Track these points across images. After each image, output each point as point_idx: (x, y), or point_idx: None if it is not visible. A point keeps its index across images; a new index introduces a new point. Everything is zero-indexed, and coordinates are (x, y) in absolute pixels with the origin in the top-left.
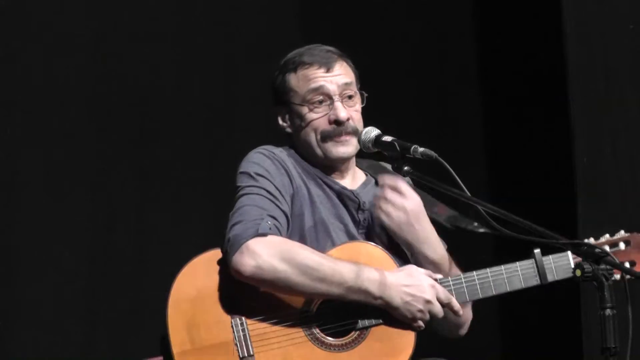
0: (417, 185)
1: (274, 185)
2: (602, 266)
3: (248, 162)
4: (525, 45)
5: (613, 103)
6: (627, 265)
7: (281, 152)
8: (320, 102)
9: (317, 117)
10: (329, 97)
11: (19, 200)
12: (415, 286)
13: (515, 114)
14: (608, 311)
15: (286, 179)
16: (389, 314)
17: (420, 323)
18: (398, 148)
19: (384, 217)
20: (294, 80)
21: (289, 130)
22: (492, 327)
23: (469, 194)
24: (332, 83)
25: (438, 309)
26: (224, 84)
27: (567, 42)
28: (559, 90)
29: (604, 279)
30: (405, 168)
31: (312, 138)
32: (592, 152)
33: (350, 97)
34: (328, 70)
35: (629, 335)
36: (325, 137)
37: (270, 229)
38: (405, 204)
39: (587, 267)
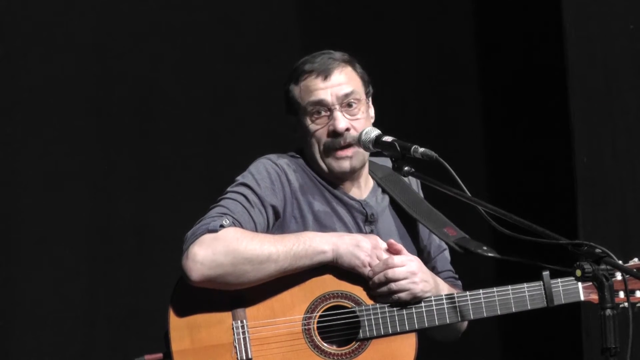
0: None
1: (257, 196)
2: (602, 266)
3: (247, 171)
4: (525, 45)
5: (613, 103)
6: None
7: (287, 163)
8: (319, 112)
9: (318, 129)
10: (328, 107)
11: (19, 200)
12: (359, 238)
13: (515, 114)
14: (608, 311)
15: (280, 195)
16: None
17: (369, 269)
18: (398, 148)
19: (403, 297)
20: (296, 91)
21: (299, 139)
22: (491, 327)
23: (469, 194)
24: (330, 94)
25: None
26: (224, 84)
27: (567, 42)
28: (559, 90)
29: (604, 279)
30: (406, 168)
31: (316, 150)
32: (592, 152)
33: (350, 105)
34: (326, 78)
35: (629, 335)
36: (327, 150)
37: (222, 225)
38: (407, 269)
39: (587, 267)
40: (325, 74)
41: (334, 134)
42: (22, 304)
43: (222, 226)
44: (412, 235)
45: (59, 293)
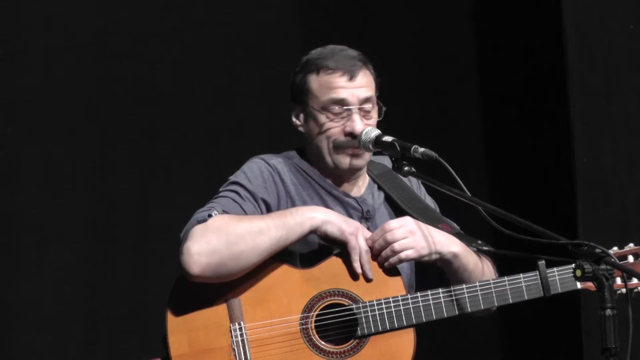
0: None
1: (249, 192)
2: (602, 266)
3: (240, 170)
4: (525, 45)
5: (613, 103)
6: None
7: (280, 163)
8: (338, 110)
9: (333, 127)
10: (347, 108)
11: (18, 200)
12: (342, 217)
13: (515, 114)
14: (608, 311)
15: (273, 193)
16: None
17: (353, 241)
18: (398, 148)
19: (410, 255)
20: (314, 83)
21: (301, 129)
22: (491, 327)
23: (469, 194)
24: (352, 95)
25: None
26: (224, 84)
27: (567, 42)
28: (559, 90)
29: (604, 279)
30: (406, 168)
31: (325, 146)
32: (592, 152)
33: (367, 109)
34: (351, 78)
35: (629, 335)
36: (338, 147)
37: (210, 215)
38: (405, 229)
39: (587, 267)
40: (351, 74)
41: (351, 135)
42: (22, 304)
43: (210, 216)
44: None
45: (59, 293)
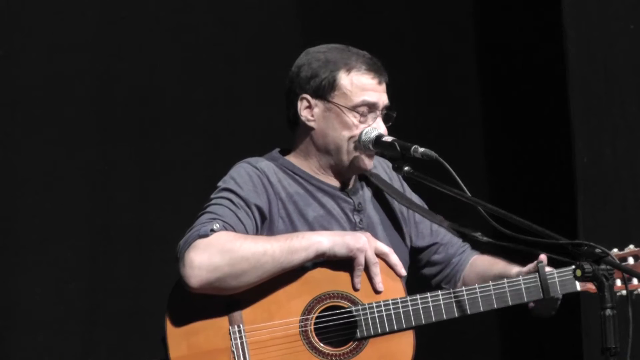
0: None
1: (241, 198)
2: (602, 266)
3: (228, 176)
4: (525, 45)
5: (613, 103)
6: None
7: (267, 165)
8: (366, 112)
9: (359, 127)
10: (375, 111)
11: (19, 200)
12: (354, 232)
13: (515, 114)
14: (608, 311)
15: (263, 197)
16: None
17: (361, 258)
18: (398, 148)
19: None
20: (345, 81)
21: (311, 124)
22: (491, 327)
23: (469, 194)
24: (380, 99)
25: (370, 251)
26: (224, 84)
27: (567, 42)
28: (559, 90)
29: (604, 279)
30: (406, 168)
31: (344, 143)
32: (592, 152)
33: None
34: (380, 82)
35: (629, 335)
36: (358, 147)
37: (213, 229)
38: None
39: (587, 267)
40: (380, 79)
41: None
42: (22, 304)
43: (212, 230)
44: (396, 225)
45: (59, 293)
